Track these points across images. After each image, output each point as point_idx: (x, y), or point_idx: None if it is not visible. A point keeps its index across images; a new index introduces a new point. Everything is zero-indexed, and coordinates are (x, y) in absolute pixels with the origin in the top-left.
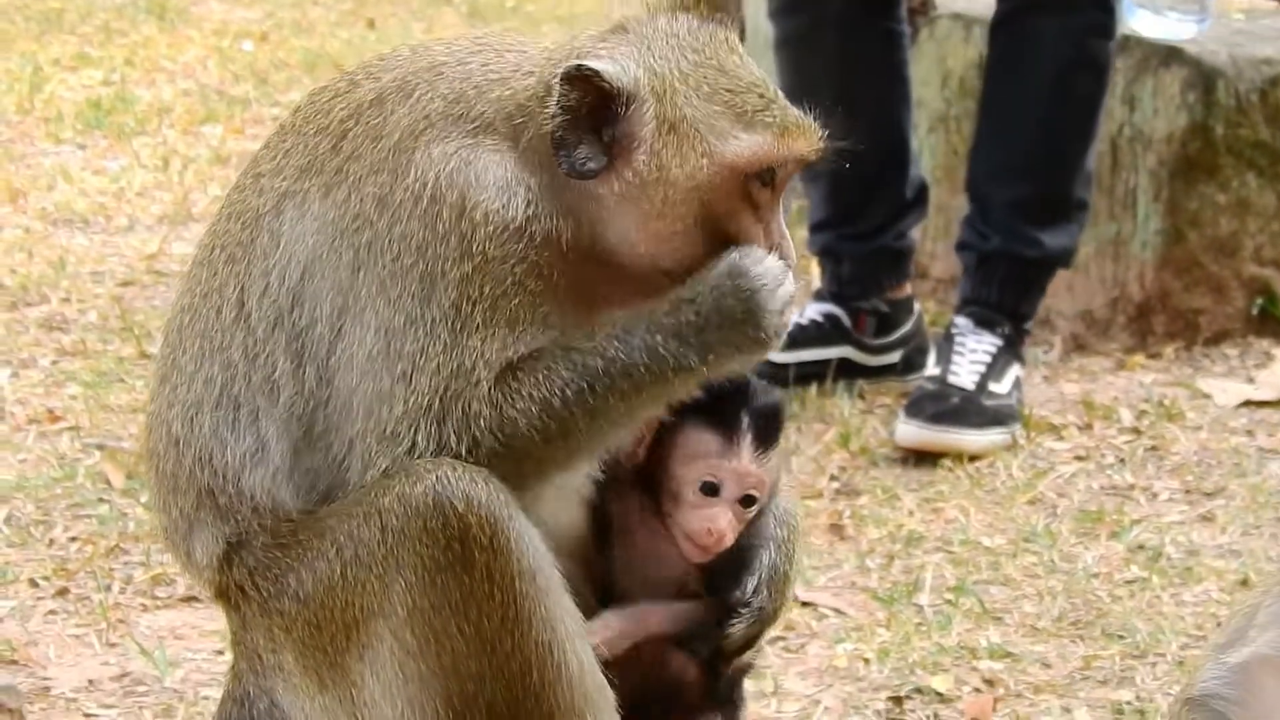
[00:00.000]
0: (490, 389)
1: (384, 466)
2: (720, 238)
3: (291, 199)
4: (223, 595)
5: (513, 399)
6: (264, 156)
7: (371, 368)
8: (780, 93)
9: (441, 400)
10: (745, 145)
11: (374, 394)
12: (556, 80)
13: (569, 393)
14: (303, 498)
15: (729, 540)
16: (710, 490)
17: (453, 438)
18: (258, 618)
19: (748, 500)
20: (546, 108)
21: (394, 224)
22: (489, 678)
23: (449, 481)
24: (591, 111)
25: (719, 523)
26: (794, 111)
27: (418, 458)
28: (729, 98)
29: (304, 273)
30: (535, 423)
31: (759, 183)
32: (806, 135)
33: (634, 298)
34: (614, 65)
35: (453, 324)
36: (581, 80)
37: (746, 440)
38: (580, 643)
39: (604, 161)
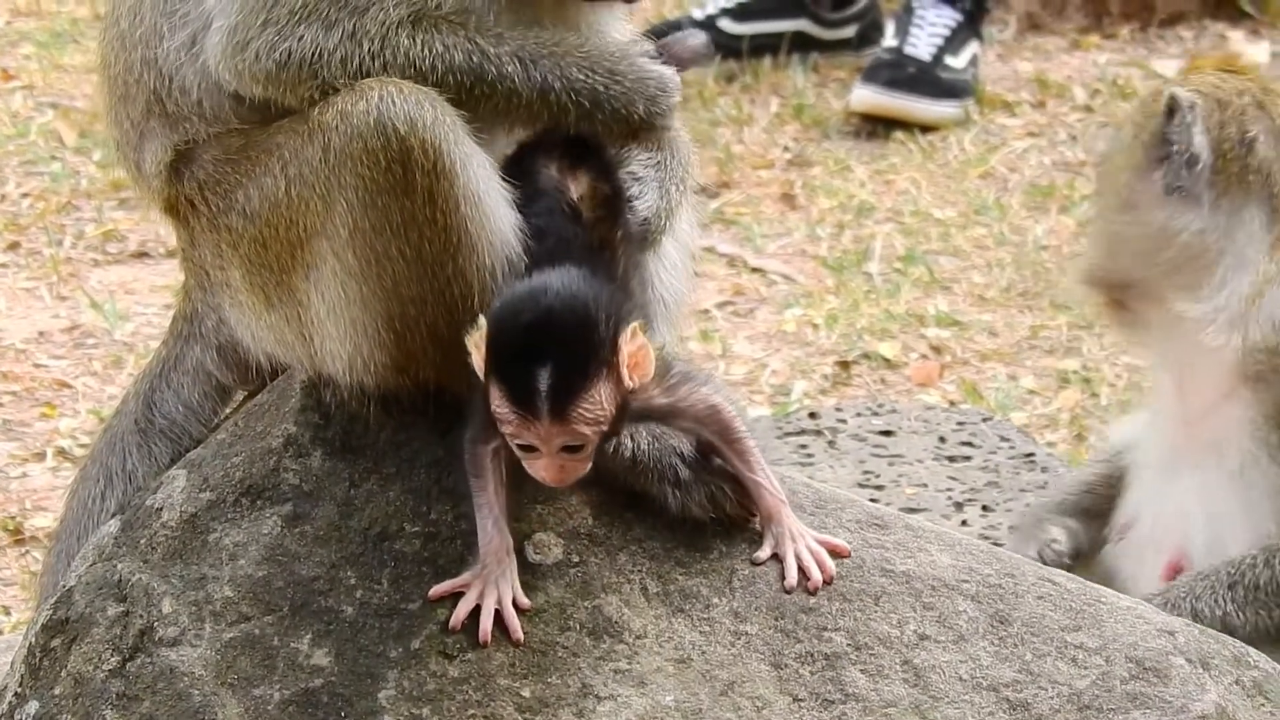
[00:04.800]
0: (395, 24)
1: (262, 57)
2: None
3: None
4: (172, 209)
5: (406, 46)
6: None
7: None
8: None
9: (339, 8)
10: None
11: None
12: None
13: (453, 78)
14: (240, 99)
15: (580, 473)
16: (526, 449)
17: (334, 49)
18: (206, 233)
19: (570, 449)
20: None
21: None
22: (430, 300)
23: (393, 102)
24: None
25: (550, 474)
26: None
27: (291, 61)
28: None
29: None
30: (409, 74)
31: None
32: None
33: None
34: None
35: None
36: None
37: (544, 411)
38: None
39: None
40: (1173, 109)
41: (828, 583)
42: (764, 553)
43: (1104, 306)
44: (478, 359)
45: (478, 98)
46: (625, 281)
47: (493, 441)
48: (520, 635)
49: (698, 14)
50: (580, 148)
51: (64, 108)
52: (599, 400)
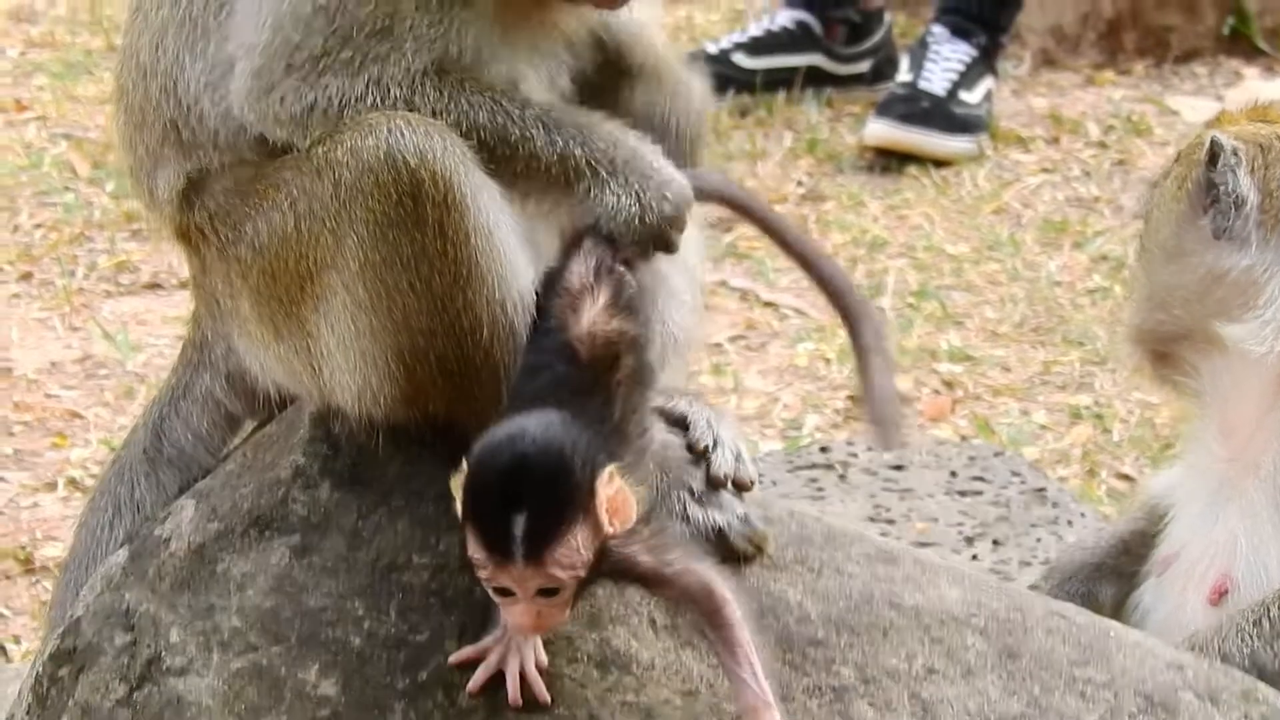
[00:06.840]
0: (420, 72)
1: (288, 102)
2: None
3: None
4: (183, 236)
5: (435, 98)
6: None
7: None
8: None
9: (363, 55)
10: None
11: (292, 19)
12: None
13: (477, 135)
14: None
15: (558, 621)
16: (501, 592)
17: (359, 96)
18: (216, 262)
19: (547, 592)
20: None
21: None
22: (440, 333)
23: (402, 135)
24: None
25: (526, 620)
26: None
27: (318, 108)
28: None
29: None
30: None
31: None
32: None
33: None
34: None
35: None
36: None
37: (517, 555)
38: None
39: None
40: (1215, 155)
41: None
42: None
43: (1146, 362)
44: (459, 502)
45: (500, 159)
46: (621, 424)
47: None
48: (548, 698)
49: (711, 48)
50: (610, 274)
51: (77, 139)
52: (574, 545)
